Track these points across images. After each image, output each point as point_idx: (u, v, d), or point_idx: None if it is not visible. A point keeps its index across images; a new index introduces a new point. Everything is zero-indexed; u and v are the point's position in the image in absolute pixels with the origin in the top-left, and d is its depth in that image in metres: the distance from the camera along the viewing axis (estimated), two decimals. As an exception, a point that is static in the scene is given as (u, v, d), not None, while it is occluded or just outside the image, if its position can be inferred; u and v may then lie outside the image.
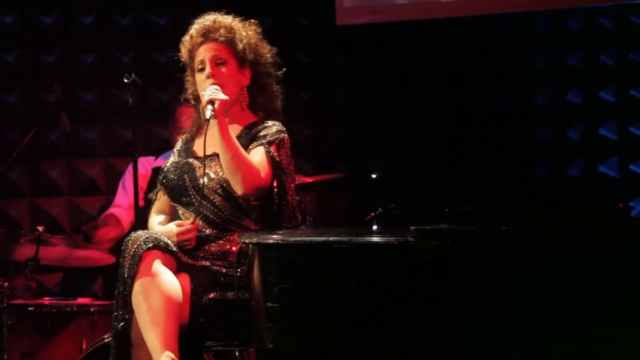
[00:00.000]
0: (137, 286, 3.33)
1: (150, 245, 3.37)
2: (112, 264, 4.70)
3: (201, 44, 3.72)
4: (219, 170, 3.59)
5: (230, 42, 3.70)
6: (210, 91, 3.58)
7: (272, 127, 3.67)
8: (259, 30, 3.82)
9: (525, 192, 6.10)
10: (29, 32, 6.02)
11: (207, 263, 3.54)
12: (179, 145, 3.85)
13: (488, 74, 6.21)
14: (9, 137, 5.84)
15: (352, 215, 6.07)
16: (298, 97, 6.08)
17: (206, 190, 3.60)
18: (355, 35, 6.21)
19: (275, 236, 3.22)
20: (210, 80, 3.65)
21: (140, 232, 3.46)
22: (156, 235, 3.45)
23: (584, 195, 6.11)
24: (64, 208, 5.96)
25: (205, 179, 3.60)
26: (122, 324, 3.36)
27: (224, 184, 3.57)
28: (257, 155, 3.60)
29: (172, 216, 3.75)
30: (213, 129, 3.54)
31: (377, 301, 2.95)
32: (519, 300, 2.87)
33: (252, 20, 3.83)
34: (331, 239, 3.01)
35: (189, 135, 3.83)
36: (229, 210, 3.59)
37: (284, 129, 3.71)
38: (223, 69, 3.68)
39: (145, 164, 5.29)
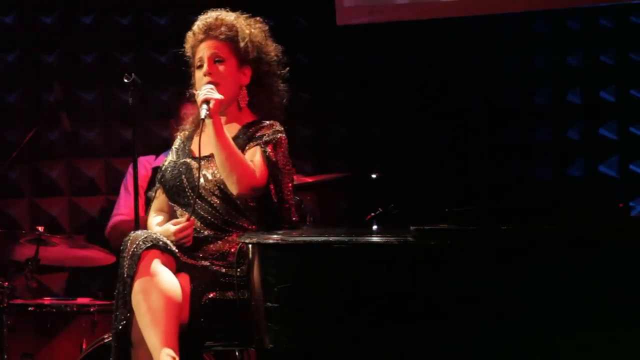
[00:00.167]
0: (137, 286, 3.33)
1: (149, 244, 3.37)
2: (112, 264, 4.70)
3: (202, 40, 3.71)
4: (216, 172, 3.58)
5: (231, 40, 3.68)
6: (205, 90, 3.57)
7: (270, 127, 3.66)
8: (265, 28, 3.80)
9: (525, 192, 6.10)
10: (29, 32, 6.02)
11: (207, 263, 3.54)
12: (177, 143, 3.84)
13: (488, 74, 6.21)
14: (9, 137, 5.84)
15: (352, 215, 6.06)
16: (298, 97, 6.07)
17: (203, 191, 3.59)
18: (355, 35, 6.21)
19: (275, 236, 3.22)
20: (207, 78, 3.65)
21: (139, 232, 3.46)
22: (155, 235, 3.44)
23: (584, 195, 6.10)
24: (64, 208, 5.96)
25: (202, 180, 3.59)
26: (122, 323, 3.36)
27: (222, 185, 3.57)
28: (253, 156, 3.59)
29: (171, 215, 3.75)
30: (208, 129, 3.53)
31: (377, 301, 2.95)
32: (519, 300, 2.87)
33: (258, 18, 3.81)
34: (331, 239, 3.01)
35: (187, 133, 3.82)
36: (226, 211, 3.59)
37: (282, 128, 3.70)
38: (221, 67, 3.67)
39: (146, 163, 5.29)
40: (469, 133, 6.18)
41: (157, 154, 5.38)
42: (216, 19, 3.72)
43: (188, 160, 3.68)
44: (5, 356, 4.48)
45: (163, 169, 3.77)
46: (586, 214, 3.15)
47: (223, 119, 3.71)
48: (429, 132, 6.18)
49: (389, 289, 2.95)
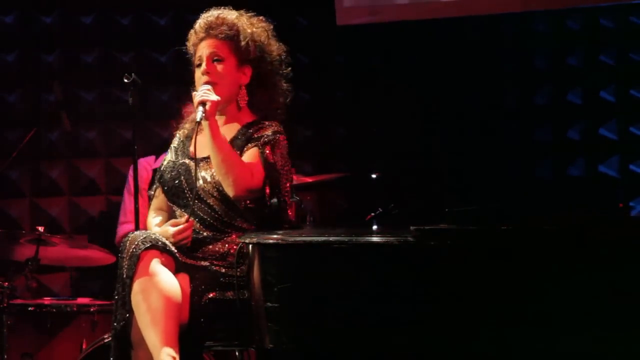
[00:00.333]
0: (136, 286, 3.33)
1: (148, 245, 3.37)
2: (112, 264, 4.70)
3: (202, 39, 3.70)
4: (214, 173, 3.58)
5: (230, 39, 3.67)
6: (201, 92, 3.56)
7: (269, 128, 3.65)
8: (268, 27, 3.77)
9: (525, 192, 6.10)
10: (29, 32, 6.02)
11: (207, 263, 3.54)
12: (176, 142, 3.83)
13: (488, 74, 6.21)
14: (9, 137, 5.84)
15: (352, 215, 6.07)
16: (298, 97, 6.06)
17: (202, 192, 3.59)
18: (355, 35, 6.21)
19: (275, 236, 3.22)
20: (205, 78, 3.64)
21: (137, 233, 3.45)
22: (154, 235, 3.44)
23: (584, 195, 6.10)
24: (64, 208, 5.96)
25: (201, 181, 3.59)
26: (122, 324, 3.35)
27: (220, 187, 3.56)
28: (251, 157, 3.58)
29: (170, 214, 3.75)
30: (205, 131, 3.53)
31: (377, 301, 2.95)
32: (519, 299, 2.87)
33: (261, 17, 3.79)
34: (331, 239, 3.01)
35: (186, 132, 3.80)
36: (225, 213, 3.58)
37: (281, 129, 3.68)
38: (219, 66, 3.66)
39: (146, 165, 5.29)
40: (469, 133, 6.18)
41: (157, 155, 5.38)
42: (217, 17, 3.71)
43: (187, 161, 3.67)
44: (5, 356, 4.48)
45: (162, 169, 3.76)
46: (586, 214, 3.14)
47: (222, 118, 3.71)
48: (429, 132, 6.18)
49: (388, 288, 2.95)
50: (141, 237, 3.39)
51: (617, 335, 2.84)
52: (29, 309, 4.60)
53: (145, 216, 3.86)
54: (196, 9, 3.86)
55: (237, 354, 4.20)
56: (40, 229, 4.66)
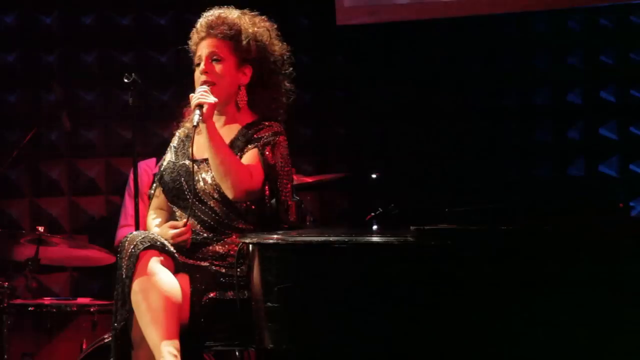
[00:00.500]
0: (136, 286, 3.33)
1: (147, 245, 3.37)
2: (112, 264, 4.69)
3: (203, 38, 3.68)
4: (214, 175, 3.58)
5: (230, 39, 3.64)
6: (198, 94, 3.54)
7: (269, 129, 3.64)
8: (271, 27, 3.75)
9: (525, 192, 6.10)
10: (29, 32, 6.02)
11: (207, 263, 3.54)
12: (175, 141, 3.81)
13: (488, 74, 6.21)
14: (9, 137, 5.83)
15: (352, 215, 6.07)
16: (298, 97, 6.06)
17: (203, 194, 3.58)
18: (356, 35, 6.21)
19: (275, 236, 3.22)
20: (204, 78, 3.64)
21: (136, 233, 3.45)
22: (152, 236, 3.44)
23: (584, 195, 6.10)
24: (64, 208, 5.96)
25: (201, 183, 3.59)
26: (122, 324, 3.36)
27: (220, 189, 3.55)
28: (250, 159, 3.57)
29: (170, 213, 3.74)
30: (203, 133, 3.52)
31: (377, 301, 2.95)
32: (519, 299, 2.87)
33: (264, 17, 3.77)
34: (331, 239, 3.01)
35: (186, 131, 3.78)
36: (226, 215, 3.58)
37: (282, 129, 3.67)
38: (218, 66, 3.64)
39: (147, 168, 5.28)
40: (469, 133, 6.18)
41: (158, 157, 5.37)
42: (218, 17, 3.68)
43: (187, 162, 3.65)
44: (5, 356, 4.48)
45: (162, 169, 3.75)
46: (586, 214, 3.14)
47: (222, 118, 3.70)
48: (428, 132, 6.18)
49: (388, 288, 2.95)
50: (140, 237, 3.40)
51: (617, 335, 2.84)
52: (29, 309, 4.60)
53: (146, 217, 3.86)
54: (196, 9, 3.85)
55: (237, 354, 4.20)
56: (40, 229, 4.66)
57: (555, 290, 2.86)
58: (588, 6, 6.20)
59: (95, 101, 6.04)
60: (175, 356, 3.24)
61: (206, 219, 3.59)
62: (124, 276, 3.36)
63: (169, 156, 3.78)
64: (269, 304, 3.10)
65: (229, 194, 3.51)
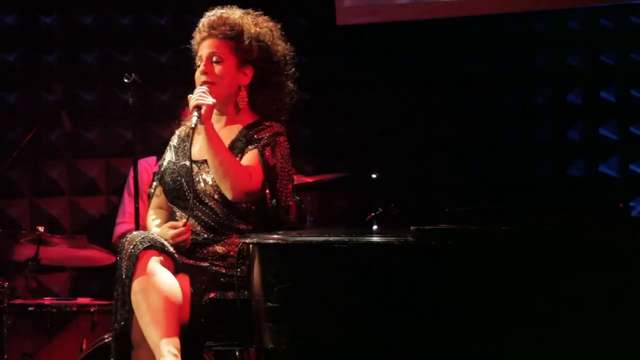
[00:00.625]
0: (136, 286, 3.33)
1: (147, 245, 3.37)
2: (112, 264, 4.70)
3: (204, 39, 3.67)
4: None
5: (231, 39, 3.63)
6: (196, 95, 3.54)
7: (269, 129, 3.62)
8: (274, 27, 3.73)
9: (525, 192, 6.10)
10: (29, 32, 6.02)
11: (207, 264, 3.54)
12: (175, 140, 3.80)
13: (488, 74, 6.21)
14: (9, 137, 5.84)
15: (352, 215, 6.07)
16: (298, 97, 6.07)
17: (203, 195, 3.58)
18: (356, 35, 6.21)
19: (275, 236, 3.22)
20: (203, 78, 3.63)
21: (136, 233, 3.45)
22: (152, 236, 3.44)
23: (584, 195, 6.10)
24: (64, 208, 5.96)
25: (202, 184, 3.59)
26: (122, 324, 3.36)
27: (220, 190, 3.56)
28: (250, 160, 3.57)
29: (170, 212, 3.74)
30: (202, 134, 3.52)
31: (376, 301, 2.95)
32: (519, 299, 2.87)
33: (267, 17, 3.75)
34: (331, 239, 3.01)
35: (186, 130, 3.76)
36: (226, 215, 3.57)
37: (282, 130, 3.66)
38: (218, 67, 3.63)
39: (147, 166, 5.27)
40: (469, 133, 6.18)
41: (158, 155, 5.37)
42: (220, 17, 3.67)
43: (188, 163, 3.64)
44: (5, 356, 4.48)
45: (162, 169, 3.75)
46: (586, 214, 3.14)
47: (223, 119, 3.70)
48: (428, 132, 6.19)
49: (388, 288, 2.95)
50: (139, 237, 3.40)
51: (617, 336, 2.84)
52: (29, 309, 4.60)
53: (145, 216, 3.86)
54: (196, 9, 3.85)
55: (237, 354, 4.20)
56: (41, 229, 4.66)
57: (556, 290, 2.86)
58: (588, 6, 6.20)
59: (95, 101, 6.04)
60: (176, 356, 3.24)
61: (207, 219, 3.59)
62: (123, 276, 3.36)
63: (169, 156, 3.78)
64: (269, 304, 3.10)
65: (228, 195, 3.51)
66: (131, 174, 5.39)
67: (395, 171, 6.01)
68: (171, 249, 3.46)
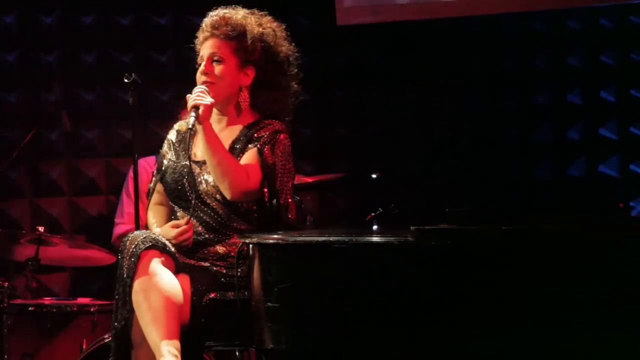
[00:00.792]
0: (137, 285, 3.33)
1: (148, 244, 3.37)
2: (112, 264, 4.70)
3: (206, 38, 3.66)
4: None
5: (233, 39, 3.62)
6: (195, 95, 3.53)
7: (269, 127, 3.62)
8: (278, 28, 3.73)
9: (525, 192, 6.10)
10: (29, 32, 6.02)
11: (208, 264, 3.54)
12: (174, 135, 3.78)
13: (488, 74, 6.21)
14: (9, 137, 5.83)
15: (352, 215, 6.06)
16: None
17: (205, 195, 3.58)
18: (355, 35, 6.20)
19: (275, 236, 3.22)
20: (203, 78, 3.63)
21: (137, 233, 3.46)
22: (154, 236, 3.44)
23: (584, 195, 6.10)
24: (64, 208, 5.96)
25: (204, 185, 3.59)
26: (123, 324, 3.36)
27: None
28: (249, 158, 3.56)
29: (170, 209, 3.73)
30: (200, 134, 3.52)
31: (377, 301, 2.95)
32: (519, 299, 2.87)
33: (271, 18, 3.75)
34: (331, 239, 3.01)
35: (185, 125, 3.73)
36: (227, 216, 3.58)
37: (283, 127, 3.65)
38: (219, 67, 3.63)
39: (146, 166, 5.27)
40: (469, 133, 6.18)
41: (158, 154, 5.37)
42: (222, 17, 3.66)
43: (189, 163, 3.65)
44: (5, 356, 4.48)
45: (164, 168, 3.74)
46: (586, 214, 3.14)
47: (224, 119, 3.69)
48: (428, 132, 6.18)
49: (388, 289, 2.95)
50: (141, 237, 3.40)
51: (617, 336, 2.84)
52: (29, 309, 4.60)
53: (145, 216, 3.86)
54: (196, 9, 3.85)
55: (237, 354, 4.20)
56: (41, 229, 4.66)
57: (555, 290, 2.86)
58: (588, 6, 6.20)
59: (95, 101, 6.04)
60: (176, 356, 3.25)
61: (208, 220, 3.59)
62: (124, 276, 3.36)
63: (169, 154, 3.76)
64: (269, 304, 3.10)
65: (227, 195, 3.51)
66: (129, 174, 5.40)
67: (395, 171, 6.01)
68: (172, 249, 3.46)
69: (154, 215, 3.77)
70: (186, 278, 3.45)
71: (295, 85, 3.76)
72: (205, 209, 3.59)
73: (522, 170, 6.19)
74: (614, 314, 2.84)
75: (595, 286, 2.85)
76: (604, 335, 2.84)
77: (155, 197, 3.78)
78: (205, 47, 3.66)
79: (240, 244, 3.44)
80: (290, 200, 3.61)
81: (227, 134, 3.65)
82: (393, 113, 6.17)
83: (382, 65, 6.20)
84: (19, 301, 4.67)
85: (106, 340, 4.01)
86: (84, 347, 4.45)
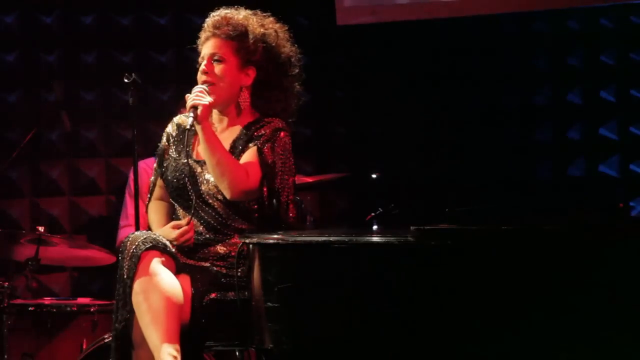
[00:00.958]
0: (137, 286, 3.33)
1: (149, 245, 3.37)
2: (112, 264, 4.70)
3: (208, 38, 3.66)
4: None
5: (234, 39, 3.61)
6: (193, 94, 3.53)
7: (269, 126, 3.61)
8: (281, 29, 3.73)
9: (526, 192, 6.10)
10: (29, 32, 6.02)
11: (208, 264, 3.54)
12: (173, 129, 3.77)
13: (488, 74, 6.21)
14: (9, 137, 5.84)
15: (352, 215, 6.07)
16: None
17: (206, 195, 3.58)
18: (355, 35, 6.21)
19: (275, 236, 3.22)
20: (203, 78, 3.63)
21: (138, 233, 3.45)
22: (154, 236, 3.44)
23: (584, 195, 6.10)
24: (64, 208, 5.96)
25: (205, 184, 3.58)
26: (123, 324, 3.35)
27: (223, 190, 3.56)
28: (249, 157, 3.56)
29: (171, 204, 3.73)
30: (199, 134, 3.52)
31: (377, 301, 2.95)
32: (518, 299, 2.87)
33: (273, 18, 3.74)
34: (331, 239, 3.01)
35: (184, 119, 3.72)
36: (228, 215, 3.58)
37: (283, 125, 3.64)
38: (219, 67, 3.62)
39: (147, 167, 5.27)
40: (469, 133, 6.18)
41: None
42: (224, 17, 3.66)
43: (191, 162, 3.64)
44: (5, 356, 4.48)
45: (165, 165, 3.73)
46: (586, 214, 3.14)
47: (225, 120, 3.69)
48: (428, 132, 6.19)
49: (388, 289, 2.95)
50: (142, 238, 3.39)
51: (617, 336, 2.84)
52: (29, 309, 4.60)
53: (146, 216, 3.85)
54: (196, 9, 3.85)
55: (237, 354, 4.20)
56: (41, 229, 4.66)
57: (555, 290, 2.86)
58: (588, 6, 6.20)
59: (95, 101, 6.04)
60: (175, 357, 3.24)
61: (209, 219, 3.59)
62: (125, 276, 3.36)
63: (170, 149, 3.74)
64: (269, 304, 3.10)
65: (227, 194, 3.51)
66: (131, 175, 5.40)
67: (395, 171, 6.01)
68: (173, 250, 3.46)
69: (154, 212, 3.76)
70: (186, 278, 3.45)
71: (298, 87, 3.75)
72: (207, 208, 3.59)
73: (522, 170, 6.19)
74: (614, 314, 2.84)
75: (595, 286, 2.85)
76: (604, 335, 2.84)
77: (156, 192, 3.77)
78: (207, 47, 3.66)
79: (241, 244, 3.44)
80: (291, 198, 3.60)
81: (228, 134, 3.65)
82: (393, 113, 6.17)
83: (382, 66, 6.20)
84: (19, 301, 4.67)
85: (106, 340, 4.01)
86: (84, 347, 4.45)
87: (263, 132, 3.60)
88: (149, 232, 3.53)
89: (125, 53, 6.08)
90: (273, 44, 3.67)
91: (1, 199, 5.87)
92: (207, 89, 3.57)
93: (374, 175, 5.71)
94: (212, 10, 3.73)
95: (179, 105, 4.96)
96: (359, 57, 6.23)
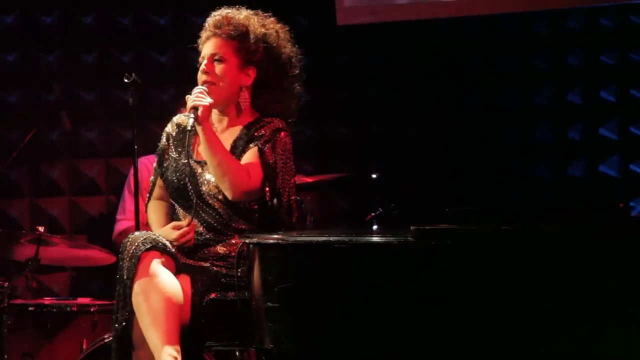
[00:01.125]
0: (137, 287, 3.33)
1: (149, 246, 3.37)
2: (112, 264, 4.70)
3: (208, 38, 3.65)
4: None
5: (234, 39, 3.61)
6: (194, 95, 3.53)
7: (269, 126, 3.61)
8: (282, 29, 3.73)
9: (525, 192, 6.10)
10: (29, 32, 6.02)
11: (208, 264, 3.54)
12: (173, 129, 3.76)
13: (488, 74, 6.21)
14: (9, 137, 5.84)
15: (352, 215, 6.07)
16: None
17: (207, 196, 3.58)
18: (355, 35, 6.21)
19: (275, 236, 3.22)
20: (203, 77, 3.63)
21: (138, 234, 3.45)
22: (154, 236, 3.44)
23: (584, 195, 6.10)
24: (64, 208, 5.96)
25: (206, 185, 3.58)
26: (123, 325, 3.35)
27: (224, 190, 3.56)
28: (250, 158, 3.56)
29: (171, 204, 3.73)
30: (200, 135, 3.52)
31: (377, 301, 2.95)
32: (519, 299, 2.87)
33: (274, 19, 3.74)
34: (331, 239, 3.01)
35: (185, 119, 3.72)
36: (229, 216, 3.58)
37: (284, 125, 3.64)
38: (219, 67, 3.62)
39: (147, 163, 5.27)
40: (469, 133, 6.18)
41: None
42: (225, 17, 3.65)
43: (191, 162, 3.65)
44: (6, 356, 4.48)
45: (166, 165, 3.73)
46: (586, 214, 3.14)
47: (225, 120, 3.69)
48: (428, 132, 6.18)
49: (388, 288, 2.95)
50: (141, 238, 3.39)
51: (617, 336, 2.84)
52: (29, 309, 4.60)
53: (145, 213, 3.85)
54: (196, 9, 3.85)
55: (237, 354, 4.20)
56: (41, 229, 4.66)
57: (555, 290, 2.86)
58: (588, 6, 6.20)
59: (95, 101, 6.04)
60: (176, 358, 3.24)
61: (210, 220, 3.59)
62: (125, 277, 3.35)
63: (170, 149, 3.74)
64: (269, 304, 3.10)
65: (228, 195, 3.51)
66: (131, 171, 5.40)
67: (395, 171, 6.01)
68: (173, 250, 3.46)
69: (154, 212, 3.76)
70: (186, 278, 3.45)
71: (299, 87, 3.75)
72: (207, 209, 3.59)
73: (522, 170, 6.19)
74: (614, 314, 2.84)
75: (596, 286, 2.85)
76: (604, 334, 2.84)
77: (156, 191, 3.77)
78: (207, 47, 3.66)
79: (241, 244, 3.44)
80: (292, 198, 3.60)
81: (228, 134, 3.65)
82: (393, 113, 6.17)
83: (382, 65, 6.20)
84: (19, 301, 4.67)
85: (106, 340, 4.00)
86: (84, 347, 4.45)
87: (263, 132, 3.60)
88: (149, 232, 3.52)
89: (125, 53, 6.08)
90: (274, 45, 3.67)
91: (1, 199, 5.87)
92: (207, 89, 3.56)
93: (374, 175, 5.71)
94: (213, 10, 3.73)
95: (178, 105, 4.97)
96: (359, 57, 6.22)
